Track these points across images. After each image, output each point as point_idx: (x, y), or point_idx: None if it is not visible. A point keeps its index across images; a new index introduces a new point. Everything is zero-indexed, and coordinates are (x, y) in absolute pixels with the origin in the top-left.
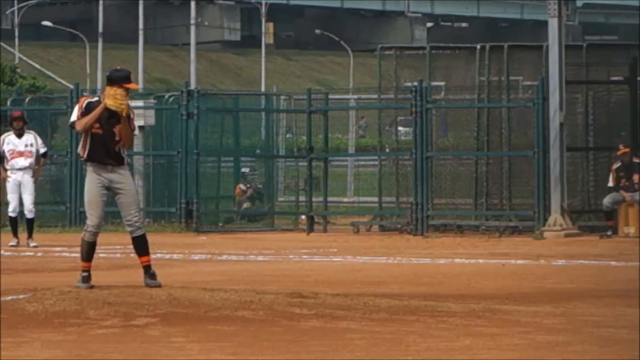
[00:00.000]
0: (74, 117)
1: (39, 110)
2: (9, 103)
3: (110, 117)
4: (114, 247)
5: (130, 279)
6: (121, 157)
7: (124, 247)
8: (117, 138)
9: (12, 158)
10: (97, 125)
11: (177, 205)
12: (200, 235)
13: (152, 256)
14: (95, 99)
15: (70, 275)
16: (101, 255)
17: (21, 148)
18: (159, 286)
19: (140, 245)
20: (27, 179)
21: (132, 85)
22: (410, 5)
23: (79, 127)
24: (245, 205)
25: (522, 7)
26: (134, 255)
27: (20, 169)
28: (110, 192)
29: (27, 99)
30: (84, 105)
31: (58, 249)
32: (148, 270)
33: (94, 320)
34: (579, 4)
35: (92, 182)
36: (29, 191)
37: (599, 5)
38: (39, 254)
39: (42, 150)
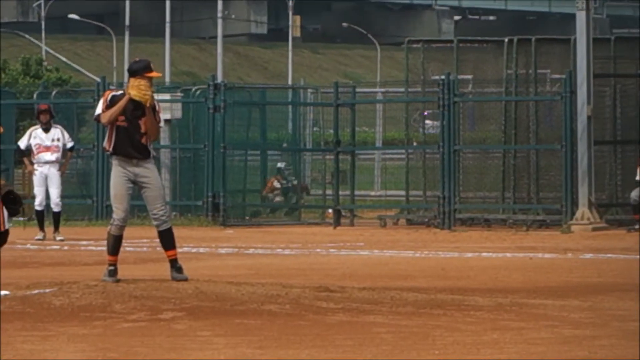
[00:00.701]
0: (98, 110)
1: (66, 104)
2: (35, 96)
3: (135, 109)
4: (141, 241)
5: (156, 273)
6: (147, 150)
7: (151, 240)
8: (142, 130)
9: (38, 152)
10: (122, 117)
11: (204, 199)
12: (226, 229)
13: (179, 250)
14: (120, 92)
15: (96, 269)
16: (127, 248)
17: (48, 143)
18: (186, 280)
19: (166, 239)
20: (54, 172)
21: (154, 74)
22: None
23: (104, 119)
24: (278, 199)
25: (550, 1)
26: (160, 249)
27: (46, 162)
28: (136, 186)
29: (53, 92)
30: (108, 98)
31: (84, 242)
32: (174, 264)
33: (120, 314)
34: None
35: (118, 175)
36: (56, 184)
37: None
38: (65, 248)
39: (69, 144)
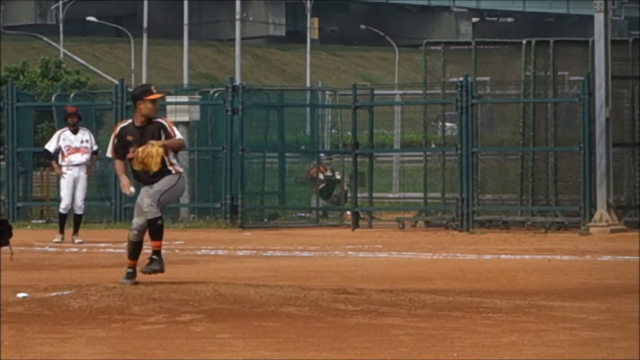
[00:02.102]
0: (109, 149)
1: (84, 106)
2: (53, 99)
3: (143, 137)
4: None
5: (174, 276)
6: (161, 171)
7: (169, 243)
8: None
9: (68, 154)
10: (129, 149)
11: (222, 201)
12: (245, 231)
13: (197, 252)
14: (128, 121)
15: (114, 271)
16: (146, 250)
17: (77, 144)
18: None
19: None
20: (82, 175)
21: (154, 96)
22: (456, 0)
23: (116, 168)
24: (322, 185)
25: (568, 2)
26: (178, 251)
27: (76, 165)
28: None
29: (71, 95)
30: (117, 132)
31: (102, 245)
32: (155, 255)
33: (139, 316)
34: None
35: (144, 188)
36: (82, 187)
37: None
38: (84, 250)
39: (95, 147)
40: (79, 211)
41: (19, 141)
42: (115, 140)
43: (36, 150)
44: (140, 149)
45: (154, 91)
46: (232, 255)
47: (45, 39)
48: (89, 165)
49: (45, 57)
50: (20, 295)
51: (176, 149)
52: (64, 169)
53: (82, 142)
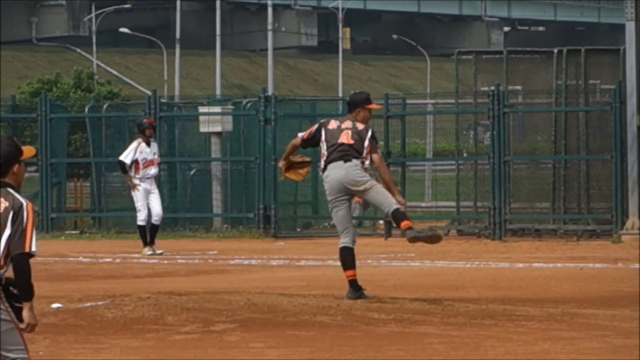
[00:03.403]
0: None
1: (117, 117)
2: (87, 110)
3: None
4: (192, 253)
5: (208, 285)
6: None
7: (202, 252)
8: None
9: (145, 166)
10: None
11: (255, 211)
12: (278, 241)
13: (231, 262)
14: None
15: (148, 282)
16: (179, 261)
17: (151, 156)
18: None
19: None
20: (154, 186)
21: (374, 106)
22: (487, 9)
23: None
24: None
25: (599, 11)
26: (212, 261)
27: (149, 177)
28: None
29: (105, 106)
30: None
31: (136, 255)
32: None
33: (173, 326)
34: None
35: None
36: (158, 197)
37: None
38: (118, 261)
39: (159, 159)
40: (157, 222)
41: (52, 152)
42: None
43: (70, 161)
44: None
45: (373, 101)
46: (266, 265)
47: (78, 50)
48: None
49: (78, 69)
50: (55, 305)
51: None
52: (136, 181)
53: (154, 154)
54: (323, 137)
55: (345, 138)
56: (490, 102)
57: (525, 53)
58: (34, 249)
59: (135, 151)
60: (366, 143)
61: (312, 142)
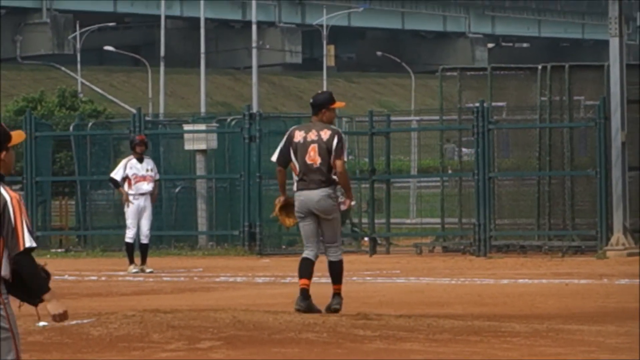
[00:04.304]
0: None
1: (102, 135)
2: (71, 128)
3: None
4: (178, 271)
5: (194, 303)
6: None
7: (188, 270)
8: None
9: (136, 182)
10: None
11: (240, 229)
12: (263, 258)
13: (216, 279)
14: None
15: (134, 299)
16: (165, 278)
17: (143, 172)
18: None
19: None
20: (148, 204)
21: (338, 104)
22: (471, 25)
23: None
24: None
25: (583, 27)
26: (197, 278)
27: (142, 194)
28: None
29: (89, 124)
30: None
31: (122, 273)
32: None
33: (158, 343)
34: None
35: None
36: (148, 216)
37: None
38: (103, 279)
39: (157, 176)
40: (145, 240)
41: (37, 170)
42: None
43: (55, 179)
44: None
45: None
46: (251, 282)
47: (63, 68)
48: (153, 194)
49: (62, 88)
50: (41, 324)
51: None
52: (131, 198)
53: (147, 170)
54: (292, 156)
55: (313, 156)
56: (474, 119)
57: (510, 69)
58: (29, 244)
59: (124, 167)
60: (332, 154)
61: (287, 159)
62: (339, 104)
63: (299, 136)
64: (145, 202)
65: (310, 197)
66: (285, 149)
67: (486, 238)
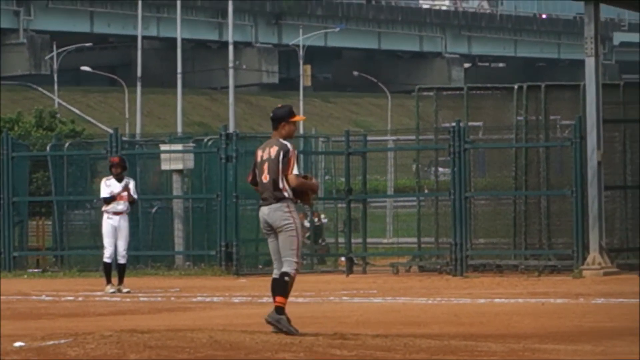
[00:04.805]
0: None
1: (79, 155)
2: (48, 148)
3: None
4: (155, 291)
5: (170, 323)
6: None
7: (165, 290)
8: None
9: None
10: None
11: (217, 248)
12: (240, 278)
13: (193, 299)
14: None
15: (111, 320)
16: (142, 298)
17: (118, 190)
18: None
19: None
20: (124, 225)
21: (298, 118)
22: (448, 45)
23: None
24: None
25: (559, 47)
26: (174, 298)
27: (117, 213)
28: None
29: (66, 144)
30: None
31: (99, 293)
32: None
33: None
34: (615, 42)
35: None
36: (125, 237)
37: (636, 44)
38: (80, 299)
39: (135, 196)
40: (122, 260)
41: (14, 191)
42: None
43: (32, 199)
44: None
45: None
46: (228, 302)
47: (40, 89)
48: (128, 213)
49: (39, 108)
50: (17, 344)
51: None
52: (105, 216)
53: (123, 188)
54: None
55: (265, 173)
56: (451, 139)
57: (486, 89)
58: None
59: (103, 186)
60: (280, 170)
61: (255, 178)
62: (298, 118)
63: (259, 155)
64: (120, 222)
65: (264, 211)
66: (253, 169)
67: (462, 257)
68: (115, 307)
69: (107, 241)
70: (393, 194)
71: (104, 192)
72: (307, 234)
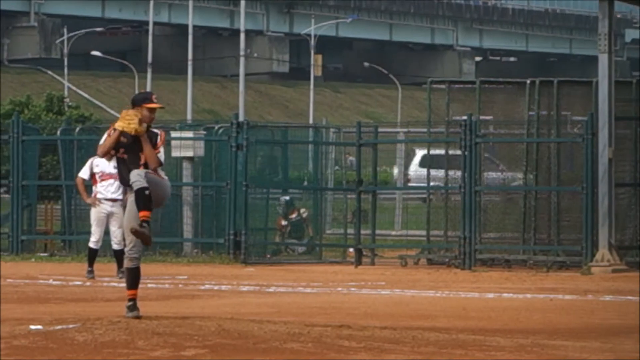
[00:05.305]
0: (101, 141)
1: (88, 140)
2: (59, 132)
3: (135, 142)
4: (163, 278)
5: (179, 310)
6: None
7: (172, 277)
8: (141, 162)
9: (102, 180)
10: (121, 150)
11: (226, 237)
12: (248, 267)
13: (201, 287)
14: None
15: (119, 305)
16: (150, 285)
17: (110, 170)
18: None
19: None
20: (117, 211)
21: (153, 105)
22: (459, 38)
23: (98, 151)
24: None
25: (571, 42)
26: (182, 286)
27: (109, 200)
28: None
29: (77, 129)
30: (111, 132)
31: (107, 278)
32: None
33: (143, 350)
34: (627, 39)
35: (126, 206)
36: (119, 224)
37: None
38: (88, 284)
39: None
40: (117, 246)
41: (24, 175)
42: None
43: (41, 183)
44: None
45: (155, 100)
46: (236, 291)
47: (49, 72)
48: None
49: (51, 92)
50: (33, 327)
51: (151, 161)
52: (99, 197)
53: (115, 167)
54: None
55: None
56: (462, 132)
57: (498, 83)
58: None
59: (90, 166)
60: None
61: None
62: (154, 105)
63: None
64: (112, 209)
65: None
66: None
67: (471, 251)
68: (123, 292)
69: (95, 228)
70: (402, 186)
71: (86, 174)
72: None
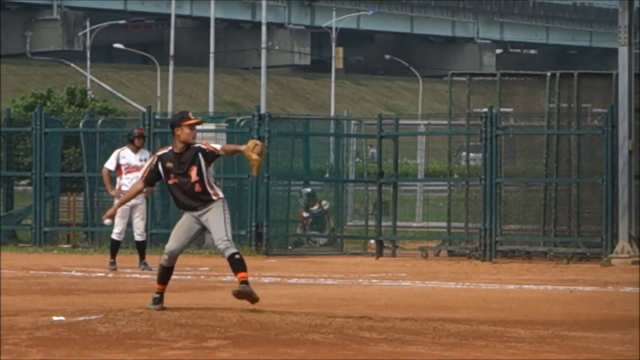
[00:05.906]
0: (141, 173)
1: (111, 132)
2: (81, 125)
3: (181, 163)
4: (184, 269)
5: (201, 301)
6: (207, 194)
7: (194, 269)
8: (193, 180)
9: (127, 172)
10: (171, 175)
11: (248, 228)
12: (269, 258)
13: (223, 278)
14: (168, 149)
15: (141, 297)
16: (172, 277)
17: (136, 162)
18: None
19: (233, 265)
20: (140, 202)
21: (192, 121)
22: (480, 31)
23: (128, 192)
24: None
25: (591, 35)
26: (204, 277)
27: None
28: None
29: (99, 121)
30: (156, 159)
31: (129, 270)
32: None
33: (165, 341)
34: None
35: (186, 215)
36: (142, 216)
37: None
38: (110, 275)
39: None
40: (140, 238)
41: (46, 166)
42: (152, 166)
43: (64, 175)
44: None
45: (191, 117)
46: (257, 282)
47: (72, 65)
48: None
49: (71, 86)
50: (56, 318)
51: (230, 152)
52: (124, 188)
53: (141, 160)
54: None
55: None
56: (482, 124)
57: (519, 76)
58: None
59: (117, 158)
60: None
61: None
62: (192, 121)
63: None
64: (136, 200)
65: None
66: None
67: (492, 243)
68: (145, 284)
69: (119, 220)
70: (423, 178)
71: (112, 165)
72: (309, 222)
